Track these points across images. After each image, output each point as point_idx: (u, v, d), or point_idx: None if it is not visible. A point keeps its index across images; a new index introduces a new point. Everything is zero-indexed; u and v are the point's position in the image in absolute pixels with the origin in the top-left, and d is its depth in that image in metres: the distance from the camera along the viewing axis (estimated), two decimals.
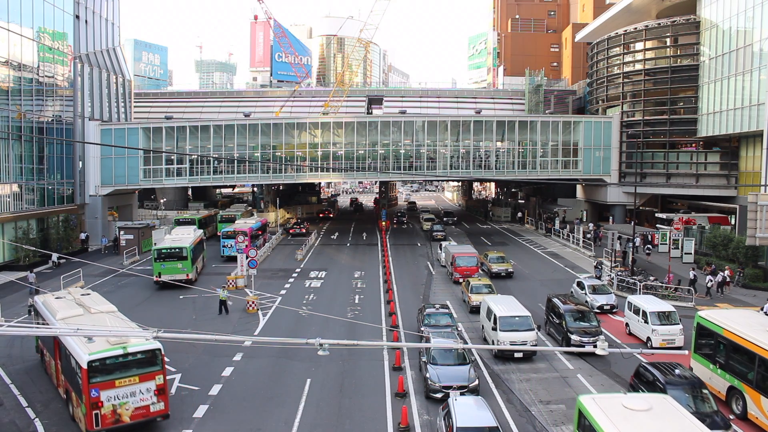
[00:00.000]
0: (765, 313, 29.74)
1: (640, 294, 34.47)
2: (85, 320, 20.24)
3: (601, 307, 31.83)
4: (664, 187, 59.93)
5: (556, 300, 28.15)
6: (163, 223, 62.10)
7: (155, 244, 41.99)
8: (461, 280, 37.76)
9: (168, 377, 19.71)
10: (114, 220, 60.13)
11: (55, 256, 43.40)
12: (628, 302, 28.47)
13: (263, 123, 59.44)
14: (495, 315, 25.18)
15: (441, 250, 46.64)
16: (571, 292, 34.87)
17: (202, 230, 47.32)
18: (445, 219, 72.95)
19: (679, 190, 58.60)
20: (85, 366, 16.96)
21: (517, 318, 25.05)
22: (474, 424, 15.98)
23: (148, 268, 44.43)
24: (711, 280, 35.56)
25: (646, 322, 26.30)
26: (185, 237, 40.18)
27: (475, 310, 31.33)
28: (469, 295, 32.50)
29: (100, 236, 54.05)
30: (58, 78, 51.41)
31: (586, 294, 32.95)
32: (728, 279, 36.67)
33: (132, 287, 38.48)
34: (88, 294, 23.83)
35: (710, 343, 21.00)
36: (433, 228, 59.98)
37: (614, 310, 32.13)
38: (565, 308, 26.75)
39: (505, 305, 26.27)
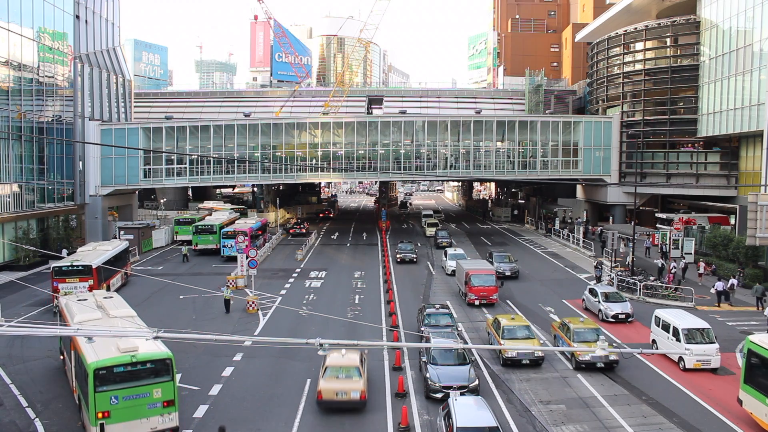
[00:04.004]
0: (716, 291, 32.50)
1: (639, 292, 34.56)
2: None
3: (615, 317, 29.10)
4: (664, 187, 59.90)
5: None
6: (163, 223, 62.08)
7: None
8: (477, 302, 32.56)
9: None
10: (114, 220, 60.11)
11: (64, 252, 43.90)
12: (656, 317, 25.56)
13: (263, 123, 59.43)
14: None
15: (446, 257, 42.37)
16: (583, 299, 32.86)
17: (237, 213, 62.63)
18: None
19: (679, 190, 58.58)
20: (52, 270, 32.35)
21: None
22: (474, 424, 16.00)
23: (149, 268, 44.73)
24: (675, 267, 37.99)
25: (678, 340, 23.39)
26: (219, 218, 54.61)
27: (509, 363, 23.58)
28: (500, 340, 24.08)
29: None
30: (58, 78, 51.37)
31: (599, 302, 30.26)
32: (706, 270, 38.91)
33: (132, 287, 38.50)
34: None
35: (766, 374, 18.03)
36: (438, 234, 55.38)
37: (630, 320, 29.37)
38: None
39: None
